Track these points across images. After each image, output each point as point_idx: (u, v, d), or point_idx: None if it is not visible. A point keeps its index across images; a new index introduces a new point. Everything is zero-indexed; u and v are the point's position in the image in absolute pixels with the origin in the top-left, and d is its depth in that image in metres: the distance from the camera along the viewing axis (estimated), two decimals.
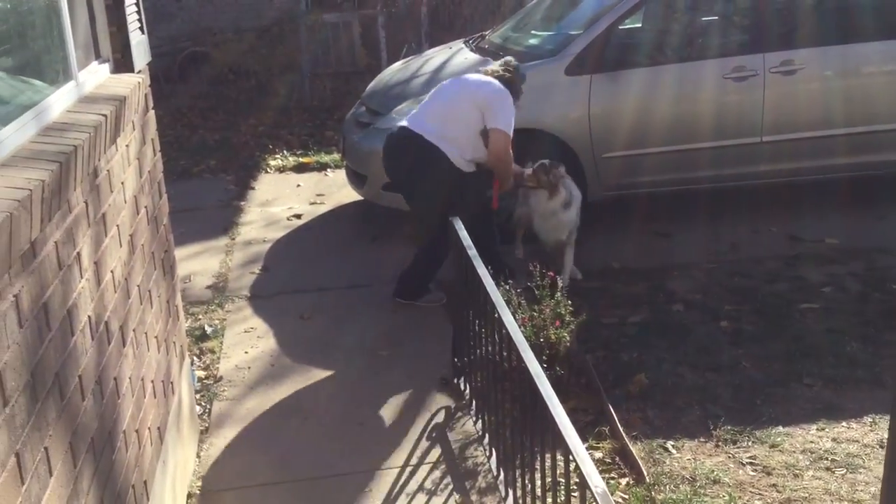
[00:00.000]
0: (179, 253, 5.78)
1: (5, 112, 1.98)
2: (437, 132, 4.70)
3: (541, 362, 3.42)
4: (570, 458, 2.27)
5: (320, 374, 4.28)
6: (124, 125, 2.65)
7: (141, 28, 3.16)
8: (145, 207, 3.03)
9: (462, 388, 3.98)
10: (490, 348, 3.45)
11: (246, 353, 4.53)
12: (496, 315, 3.21)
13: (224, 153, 8.23)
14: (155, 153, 3.32)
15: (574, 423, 2.44)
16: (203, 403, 4.04)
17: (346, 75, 10.90)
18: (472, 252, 3.53)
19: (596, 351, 4.30)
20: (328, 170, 7.73)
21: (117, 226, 2.56)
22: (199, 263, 5.70)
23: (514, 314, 3.69)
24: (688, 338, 4.41)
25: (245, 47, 11.06)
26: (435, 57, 6.79)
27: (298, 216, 6.58)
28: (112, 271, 2.45)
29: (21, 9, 2.30)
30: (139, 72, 3.03)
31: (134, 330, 2.67)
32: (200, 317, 4.95)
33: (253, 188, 7.34)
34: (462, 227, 3.83)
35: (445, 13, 11.11)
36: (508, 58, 5.15)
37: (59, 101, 2.29)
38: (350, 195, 6.56)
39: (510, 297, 4.06)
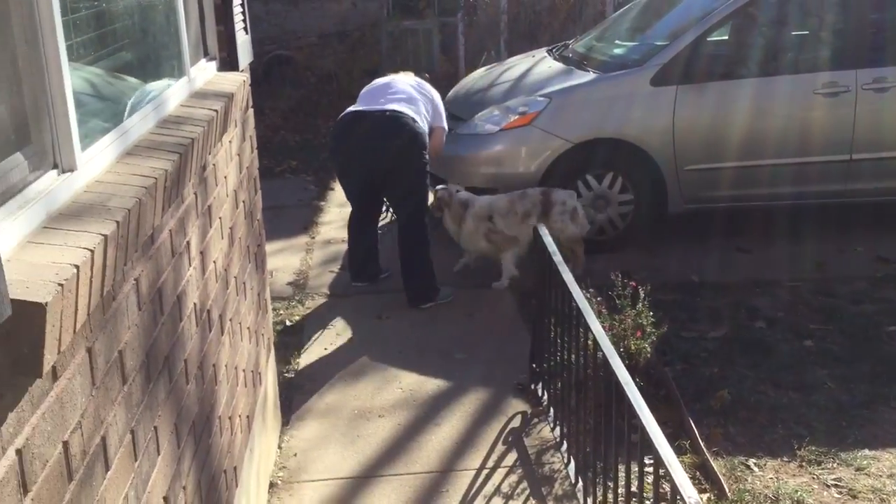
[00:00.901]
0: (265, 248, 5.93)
1: (130, 103, 2.08)
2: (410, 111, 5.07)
3: None
4: (661, 468, 2.26)
5: (397, 373, 4.33)
6: (230, 122, 2.74)
7: (245, 28, 3.26)
8: (243, 202, 3.12)
9: (539, 393, 3.98)
10: (572, 355, 3.45)
11: (325, 349, 4.61)
12: (581, 322, 3.22)
13: (305, 154, 8.38)
14: (253, 150, 3.41)
15: None
16: (285, 397, 4.12)
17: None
18: (558, 258, 3.53)
19: (675, 364, 4.26)
20: None
21: (220, 218, 2.64)
22: (280, 260, 5.82)
23: None
24: (771, 355, 4.34)
25: (328, 51, 11.25)
26: (518, 65, 6.81)
27: None
28: (214, 262, 2.53)
29: (142, 7, 2.40)
30: (242, 70, 3.13)
31: (230, 319, 2.75)
32: (282, 312, 5.06)
33: (332, 189, 7.45)
34: (547, 232, 3.84)
35: (525, 22, 11.11)
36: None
37: (174, 96, 2.38)
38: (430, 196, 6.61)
39: (590, 304, 4.05)
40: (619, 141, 5.72)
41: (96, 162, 1.72)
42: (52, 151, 1.56)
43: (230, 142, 2.89)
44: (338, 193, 7.29)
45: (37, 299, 1.16)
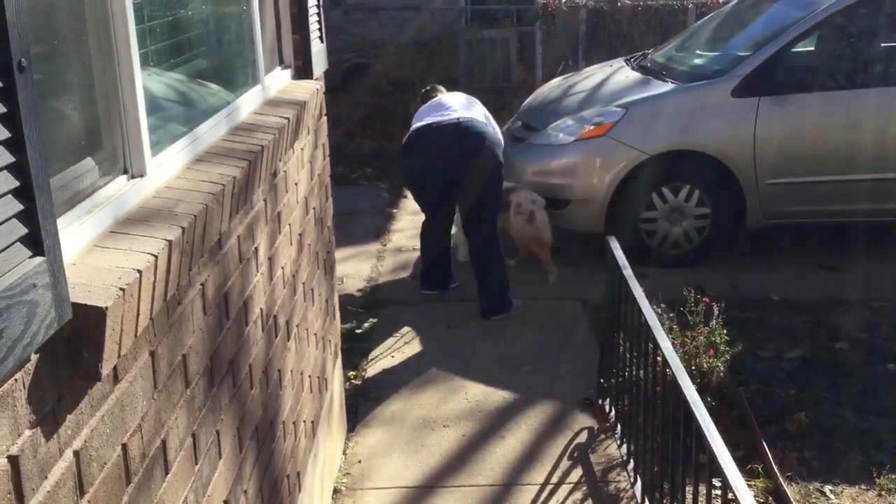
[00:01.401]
0: (336, 255, 6.00)
1: (202, 110, 2.11)
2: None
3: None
4: (729, 492, 2.18)
5: (464, 383, 4.31)
6: (302, 129, 2.76)
7: (321, 37, 3.29)
8: (313, 209, 3.14)
9: (607, 409, 3.91)
10: (641, 372, 3.37)
11: (393, 357, 4.62)
12: (650, 337, 3.14)
13: (379, 162, 8.45)
14: (325, 157, 3.44)
15: None
16: (351, 403, 4.14)
17: (500, 90, 10.98)
18: (629, 272, 3.46)
19: (750, 384, 4.14)
20: None
21: (289, 224, 2.67)
22: (351, 266, 5.87)
23: None
24: (851, 378, 4.17)
25: (405, 60, 11.34)
26: (595, 74, 6.74)
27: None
28: (283, 267, 2.55)
29: (219, 15, 2.44)
30: (317, 79, 3.16)
31: (297, 325, 2.77)
32: (352, 318, 5.09)
33: (405, 196, 7.48)
34: (617, 245, 3.77)
35: (604, 31, 11.00)
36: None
37: (247, 103, 2.41)
38: None
39: (661, 320, 3.96)
40: (697, 153, 5.61)
41: (166, 168, 1.75)
42: (123, 157, 1.59)
43: (302, 149, 2.92)
44: (411, 202, 7.31)
45: (98, 303, 1.18)
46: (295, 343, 2.72)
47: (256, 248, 2.23)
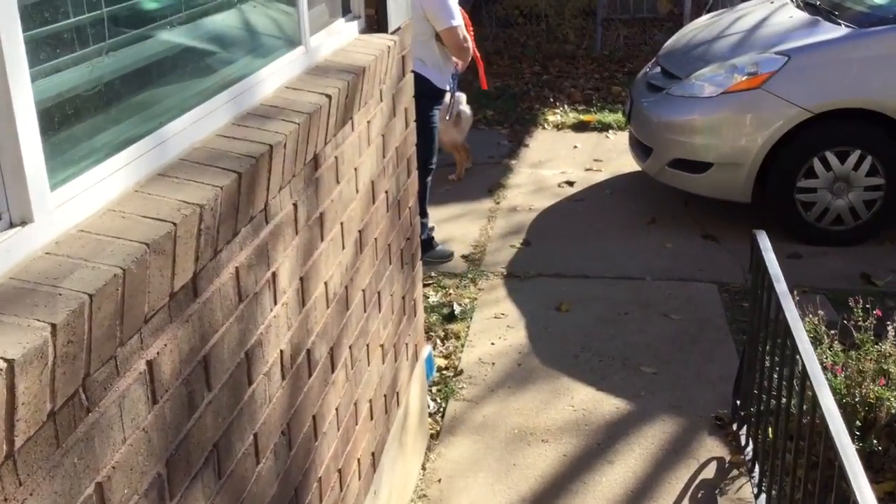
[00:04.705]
0: (440, 214, 5.44)
1: (186, 93, 1.54)
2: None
3: (853, 426, 2.69)
4: None
5: (570, 385, 3.69)
6: (363, 101, 2.16)
7: None
8: (385, 192, 2.56)
9: (742, 441, 3.21)
10: (785, 400, 2.68)
11: (492, 343, 4.05)
12: (803, 372, 2.44)
13: (503, 103, 7.76)
14: (407, 125, 2.84)
15: None
16: (438, 400, 3.62)
17: (643, 22, 10.03)
18: (782, 288, 2.71)
19: None
20: (610, 131, 7.02)
21: (341, 224, 2.10)
22: (458, 228, 5.29)
23: (821, 358, 2.90)
24: None
25: None
26: (752, 12, 5.78)
27: (571, 183, 5.97)
28: (326, 283, 1.99)
29: None
30: (394, 31, 2.53)
31: (351, 346, 2.22)
32: (451, 292, 4.54)
33: (527, 145, 6.81)
34: (767, 244, 3.01)
35: None
36: None
37: (276, 74, 1.82)
38: (630, 164, 5.84)
39: (819, 333, 3.22)
40: (872, 113, 4.68)
41: (86, 202, 1.18)
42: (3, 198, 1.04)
43: (369, 122, 2.33)
44: (532, 151, 6.65)
45: None
46: (345, 370, 2.18)
47: (274, 275, 1.67)
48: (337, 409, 2.12)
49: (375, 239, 2.47)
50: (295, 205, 1.77)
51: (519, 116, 7.46)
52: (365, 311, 2.37)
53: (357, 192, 2.26)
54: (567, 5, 10.09)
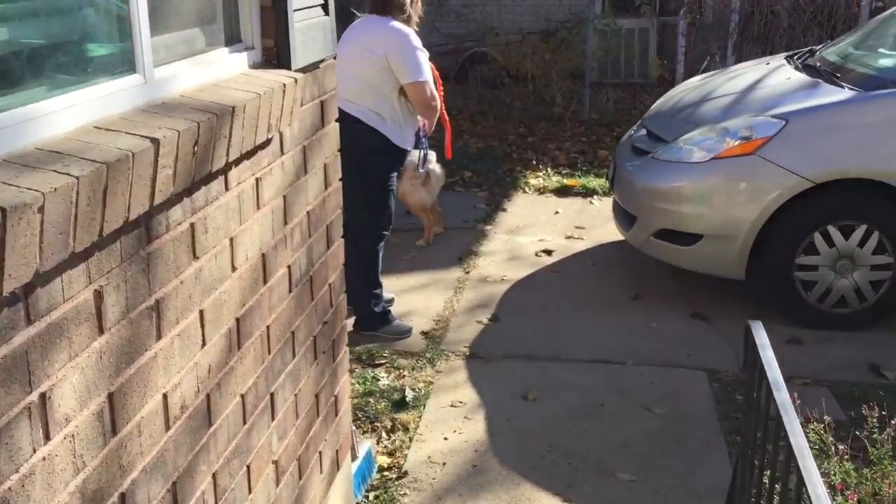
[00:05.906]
0: (403, 283, 4.93)
1: None
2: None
3: None
4: None
5: (533, 494, 3.13)
6: (237, 150, 1.66)
7: (324, 5, 2.17)
8: (287, 267, 2.05)
9: None
10: None
11: (445, 438, 3.49)
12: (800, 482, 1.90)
13: (483, 165, 7.31)
14: (327, 185, 2.33)
15: None
16: None
17: (633, 87, 9.68)
18: (783, 398, 2.18)
19: None
20: (594, 196, 6.56)
21: (200, 312, 1.58)
22: (421, 300, 4.77)
23: (827, 478, 2.37)
24: None
25: (527, 50, 10.12)
26: (744, 73, 5.36)
27: (549, 252, 5.48)
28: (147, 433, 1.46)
29: None
30: (304, 69, 2.04)
31: (215, 474, 1.68)
32: (405, 374, 4.00)
33: (505, 210, 6.34)
34: (765, 337, 2.49)
35: (760, 23, 9.42)
36: None
37: (77, 110, 1.32)
38: (614, 233, 5.35)
39: (825, 444, 2.68)
40: (879, 184, 4.22)
41: None
42: None
43: (258, 179, 1.82)
44: (510, 216, 6.17)
45: None
46: None
47: (44, 396, 1.14)
48: None
49: (268, 327, 1.94)
50: (98, 292, 1.26)
51: (499, 179, 7.01)
52: (245, 422, 1.83)
53: (234, 269, 1.74)
54: (555, 68, 9.76)
